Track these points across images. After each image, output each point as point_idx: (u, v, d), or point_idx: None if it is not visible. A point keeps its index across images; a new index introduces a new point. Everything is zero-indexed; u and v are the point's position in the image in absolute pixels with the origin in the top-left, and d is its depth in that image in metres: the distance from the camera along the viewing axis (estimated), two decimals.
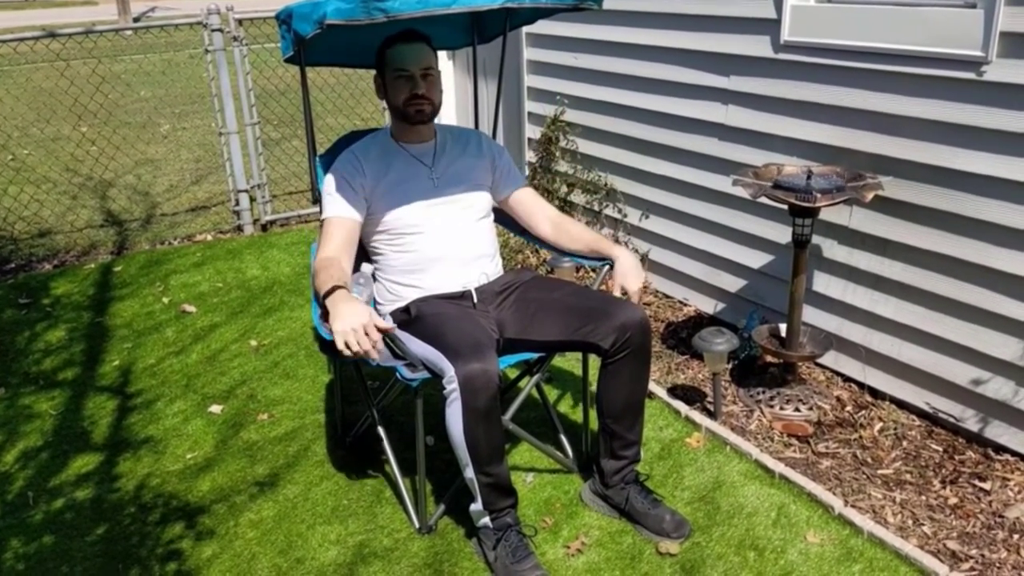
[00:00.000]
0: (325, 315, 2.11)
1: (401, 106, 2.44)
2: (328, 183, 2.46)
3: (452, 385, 2.10)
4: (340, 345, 2.02)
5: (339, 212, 2.42)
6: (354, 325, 2.03)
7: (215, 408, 3.16)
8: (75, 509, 2.62)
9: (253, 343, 3.68)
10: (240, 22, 4.87)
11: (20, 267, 4.67)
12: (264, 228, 5.21)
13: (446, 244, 2.47)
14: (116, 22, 18.38)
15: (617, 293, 2.43)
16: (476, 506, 2.26)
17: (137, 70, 11.83)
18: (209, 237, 5.09)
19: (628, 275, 2.43)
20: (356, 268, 2.51)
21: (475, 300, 2.48)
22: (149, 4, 24.38)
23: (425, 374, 2.25)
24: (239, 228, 5.18)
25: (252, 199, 5.18)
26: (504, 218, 2.84)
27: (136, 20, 19.33)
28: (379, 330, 2.06)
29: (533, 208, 2.67)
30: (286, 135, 7.40)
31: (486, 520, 2.26)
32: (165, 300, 4.16)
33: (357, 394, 3.14)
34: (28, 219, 5.39)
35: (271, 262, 4.62)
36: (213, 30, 4.80)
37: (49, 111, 8.31)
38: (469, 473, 2.20)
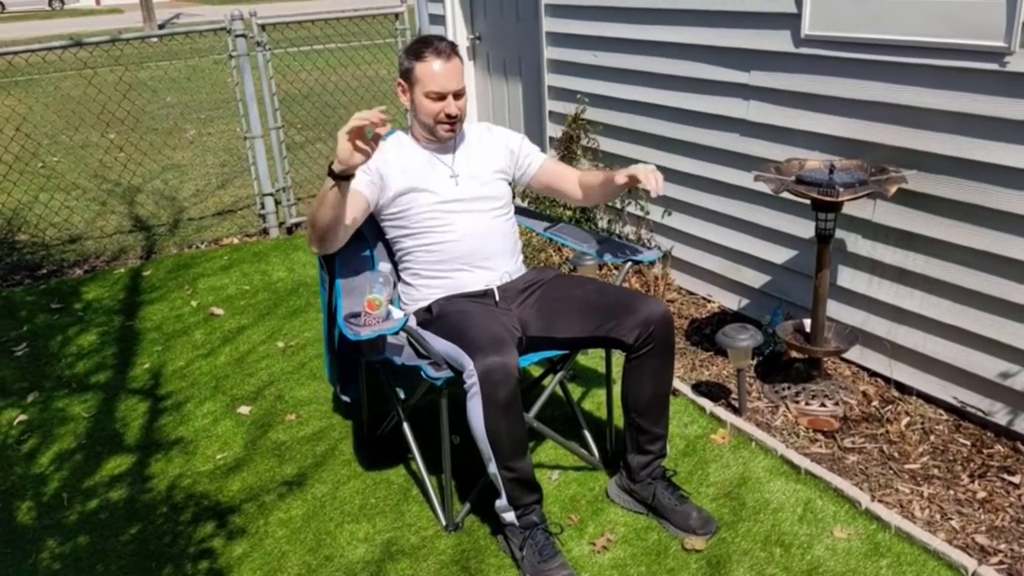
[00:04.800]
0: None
1: (432, 124, 2.46)
2: None
3: (472, 379, 2.12)
4: (354, 125, 2.04)
5: (354, 186, 2.42)
6: (337, 138, 2.08)
7: (244, 409, 3.20)
8: (109, 509, 2.67)
9: (280, 345, 3.72)
10: (263, 27, 4.93)
11: (52, 272, 4.75)
12: (289, 231, 5.27)
13: (469, 241, 2.49)
14: (141, 29, 18.61)
15: (639, 177, 2.37)
16: (501, 501, 2.27)
17: (163, 76, 11.97)
18: (235, 240, 5.15)
19: (640, 171, 2.39)
20: (374, 267, 2.54)
21: (497, 298, 2.50)
22: (174, 11, 24.64)
23: (449, 373, 2.27)
24: (265, 231, 5.24)
25: (277, 202, 5.23)
26: (526, 215, 2.86)
27: (161, 27, 19.55)
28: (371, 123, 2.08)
29: (562, 176, 2.69)
30: (310, 138, 7.46)
31: (511, 516, 2.28)
32: (193, 303, 4.22)
33: (383, 393, 3.17)
34: (59, 225, 5.48)
35: (297, 264, 4.67)
36: (237, 35, 4.85)
37: (77, 118, 8.43)
38: (492, 468, 2.21)
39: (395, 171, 2.47)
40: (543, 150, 4.61)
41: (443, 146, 2.54)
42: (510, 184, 2.67)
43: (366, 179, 2.44)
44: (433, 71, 2.40)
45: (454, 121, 2.45)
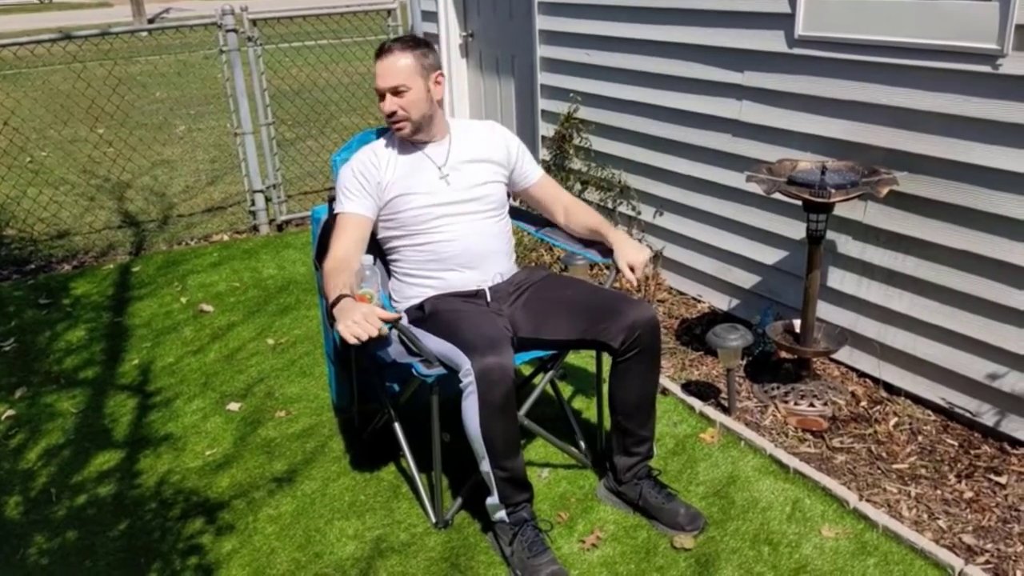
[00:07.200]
0: (333, 320, 2.16)
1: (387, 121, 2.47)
2: (343, 179, 2.49)
3: (468, 379, 2.12)
4: (349, 338, 2.07)
5: (353, 209, 2.45)
6: (355, 318, 2.08)
7: (233, 406, 3.19)
8: (97, 505, 2.65)
9: (270, 341, 3.71)
10: (255, 22, 4.91)
11: (40, 268, 4.72)
12: (280, 228, 5.25)
13: (461, 242, 2.48)
14: (131, 23, 18.51)
15: (623, 269, 2.47)
16: (492, 499, 2.28)
17: (152, 71, 11.92)
18: (225, 237, 5.13)
19: (628, 253, 2.49)
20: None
21: (488, 299, 2.49)
22: (163, 5, 24.52)
23: (441, 370, 2.26)
24: (255, 228, 5.22)
25: (267, 199, 5.22)
26: (519, 216, 2.85)
27: (151, 21, 19.45)
28: (384, 320, 2.13)
29: (551, 197, 2.72)
30: (300, 135, 7.44)
31: (502, 514, 2.28)
32: (183, 300, 4.20)
33: (374, 390, 3.16)
34: (47, 220, 5.45)
35: (287, 261, 4.66)
36: (228, 30, 4.83)
37: (66, 113, 8.38)
38: (485, 467, 2.22)
39: (388, 176, 2.46)
40: (536, 149, 4.63)
41: (436, 143, 2.53)
42: (506, 186, 2.66)
43: (366, 202, 2.46)
44: (376, 70, 2.41)
45: (393, 119, 2.42)
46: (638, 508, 2.46)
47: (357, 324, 2.07)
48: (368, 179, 2.46)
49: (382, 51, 2.41)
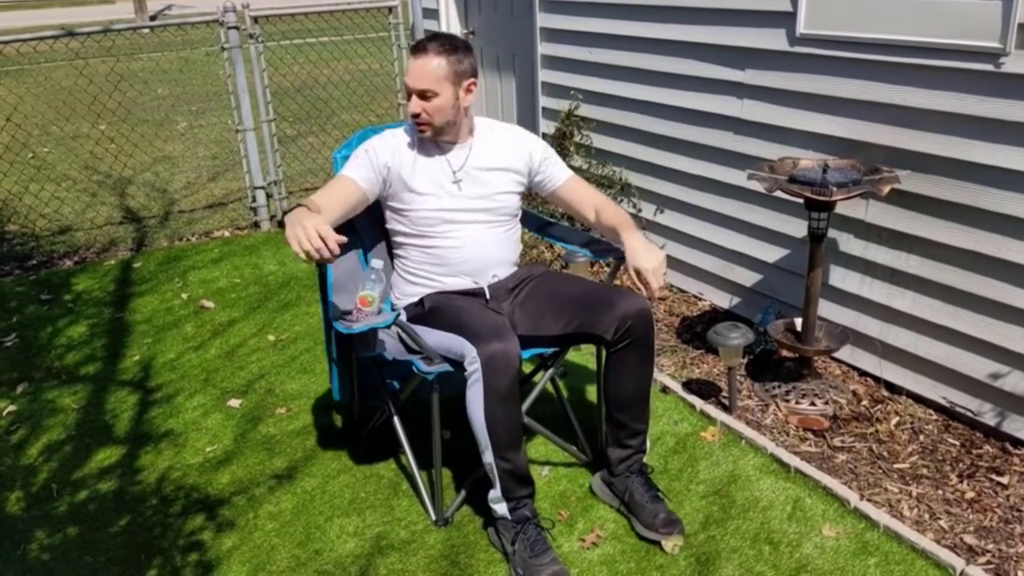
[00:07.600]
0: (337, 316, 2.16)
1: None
2: (359, 150, 2.48)
3: (474, 366, 2.12)
4: (292, 245, 2.08)
5: (350, 174, 2.42)
6: (303, 223, 2.08)
7: (234, 402, 3.19)
8: (98, 501, 2.65)
9: (271, 338, 3.71)
10: (256, 19, 4.90)
11: (42, 263, 4.72)
12: (281, 224, 5.21)
13: (467, 250, 2.47)
14: (133, 20, 18.50)
15: (630, 273, 2.36)
16: (495, 492, 2.27)
17: (154, 68, 11.91)
18: (226, 233, 5.13)
19: (637, 257, 2.34)
20: (365, 264, 2.53)
21: (487, 297, 2.49)
22: (165, 2, 24.50)
23: (442, 366, 2.26)
24: (256, 224, 5.22)
25: (269, 195, 5.22)
26: (524, 219, 2.84)
27: (153, 18, 19.44)
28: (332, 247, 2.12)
29: (579, 198, 2.62)
30: (302, 132, 7.43)
31: (504, 509, 2.27)
32: (184, 296, 4.20)
33: (374, 388, 3.16)
34: (49, 216, 5.45)
35: (288, 258, 4.65)
36: (229, 27, 4.83)
37: (68, 109, 8.37)
38: (488, 458, 2.21)
39: (399, 164, 2.43)
40: None
41: (457, 146, 2.48)
42: (524, 193, 2.61)
43: (366, 173, 2.42)
44: (409, 66, 2.38)
45: (417, 120, 2.39)
46: (623, 502, 2.45)
47: (305, 231, 2.07)
48: (378, 156, 2.42)
49: (418, 48, 2.35)
